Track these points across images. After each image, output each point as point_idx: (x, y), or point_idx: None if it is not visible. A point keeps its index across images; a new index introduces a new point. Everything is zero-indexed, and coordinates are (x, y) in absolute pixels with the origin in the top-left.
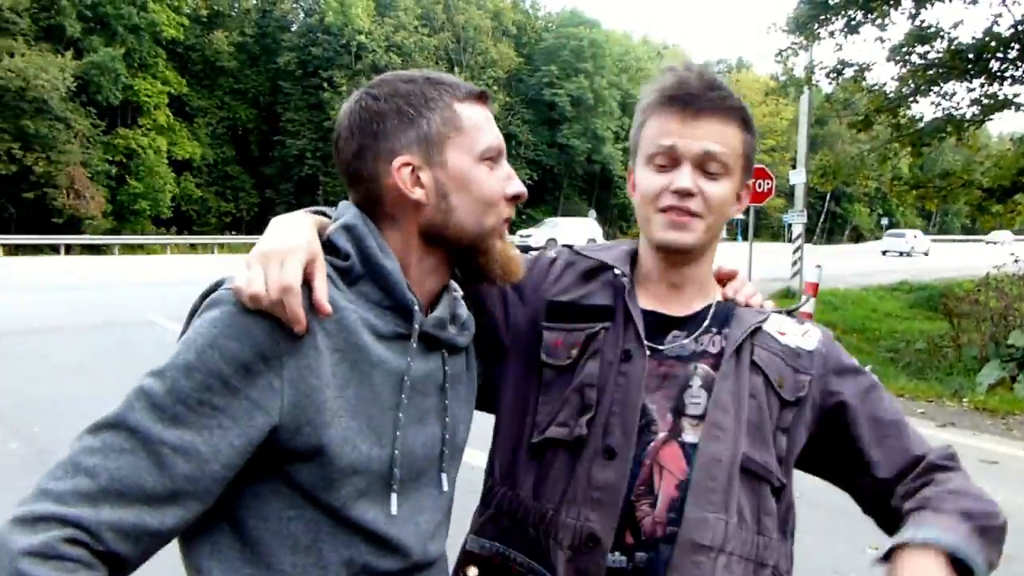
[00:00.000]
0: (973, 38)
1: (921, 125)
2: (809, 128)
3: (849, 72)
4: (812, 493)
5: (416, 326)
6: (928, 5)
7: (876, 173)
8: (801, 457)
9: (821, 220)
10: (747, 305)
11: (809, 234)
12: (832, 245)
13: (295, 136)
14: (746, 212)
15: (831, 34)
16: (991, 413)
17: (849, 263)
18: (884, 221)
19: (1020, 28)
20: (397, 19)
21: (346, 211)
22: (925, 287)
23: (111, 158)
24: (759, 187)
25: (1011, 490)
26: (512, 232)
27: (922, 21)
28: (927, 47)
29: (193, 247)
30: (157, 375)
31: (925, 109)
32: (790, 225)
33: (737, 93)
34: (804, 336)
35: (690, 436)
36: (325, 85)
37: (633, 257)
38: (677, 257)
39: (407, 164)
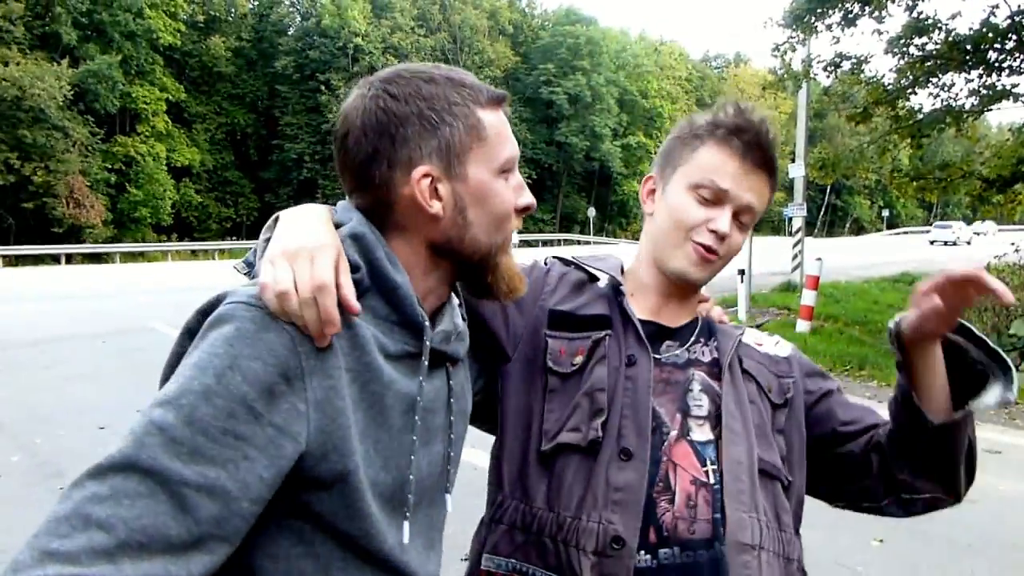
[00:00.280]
0: (971, 29)
1: (920, 117)
2: (808, 122)
3: (847, 65)
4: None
5: (427, 343)
6: None
7: (876, 165)
8: (816, 478)
9: (821, 213)
10: (720, 322)
11: (810, 227)
12: (833, 238)
13: (293, 140)
14: None
15: (828, 27)
16: None
17: (853, 257)
18: (885, 213)
19: (1017, 19)
20: (393, 20)
21: (348, 215)
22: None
23: (110, 166)
24: (776, 187)
25: (1014, 479)
26: None
27: (920, 13)
28: (925, 39)
29: (194, 253)
30: (168, 404)
31: (924, 101)
32: (790, 219)
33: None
34: (776, 345)
35: (698, 435)
36: (322, 88)
37: (621, 270)
38: (684, 284)
39: (427, 175)
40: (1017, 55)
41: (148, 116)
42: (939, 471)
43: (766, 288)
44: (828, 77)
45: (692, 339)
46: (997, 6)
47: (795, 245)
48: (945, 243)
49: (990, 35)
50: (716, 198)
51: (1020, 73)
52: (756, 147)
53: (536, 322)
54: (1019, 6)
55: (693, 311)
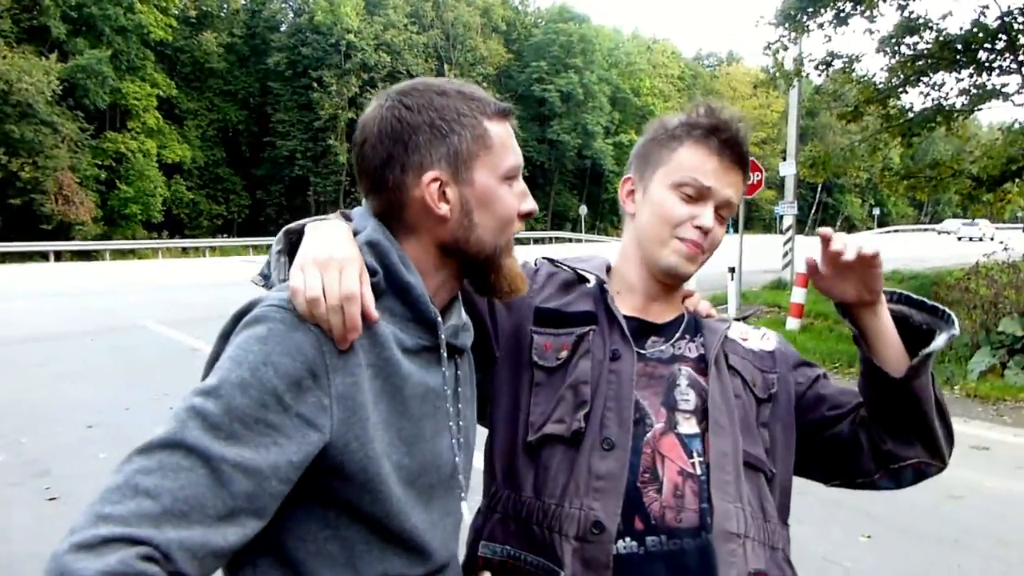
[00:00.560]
0: (961, 29)
1: (911, 115)
2: (799, 120)
3: (838, 64)
4: (806, 483)
5: (443, 337)
6: None
7: (867, 164)
8: (808, 462)
9: (813, 211)
10: (707, 317)
11: (801, 225)
12: None
13: (285, 137)
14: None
15: (820, 26)
16: (982, 400)
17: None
18: (876, 211)
19: (1007, 20)
20: (386, 17)
21: (364, 222)
22: (916, 276)
23: (100, 162)
24: (749, 179)
25: (1002, 476)
26: None
27: (911, 12)
28: (916, 38)
29: (185, 251)
30: (209, 393)
31: (915, 100)
32: (781, 216)
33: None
34: (763, 339)
35: (685, 428)
36: (315, 85)
37: (607, 269)
38: (673, 280)
39: (436, 179)
40: (1007, 55)
41: (139, 112)
42: (916, 432)
43: (757, 286)
44: (820, 76)
45: (677, 335)
46: (987, 6)
47: (786, 243)
48: (972, 239)
49: (980, 35)
50: (699, 195)
51: (1010, 73)
52: (732, 145)
53: (522, 319)
54: (1009, 7)
55: (678, 307)
